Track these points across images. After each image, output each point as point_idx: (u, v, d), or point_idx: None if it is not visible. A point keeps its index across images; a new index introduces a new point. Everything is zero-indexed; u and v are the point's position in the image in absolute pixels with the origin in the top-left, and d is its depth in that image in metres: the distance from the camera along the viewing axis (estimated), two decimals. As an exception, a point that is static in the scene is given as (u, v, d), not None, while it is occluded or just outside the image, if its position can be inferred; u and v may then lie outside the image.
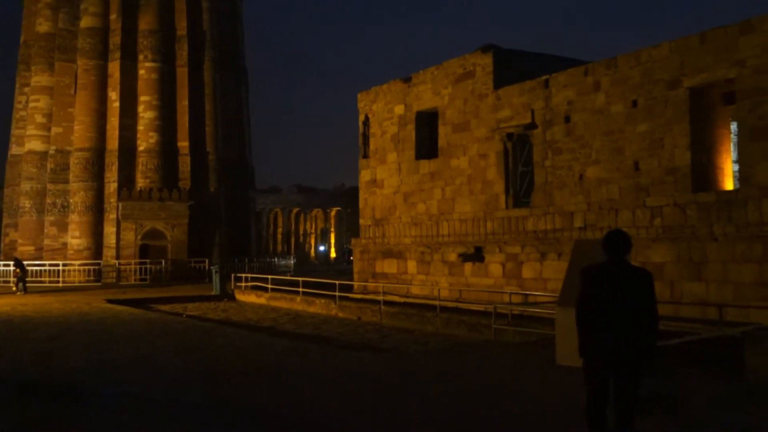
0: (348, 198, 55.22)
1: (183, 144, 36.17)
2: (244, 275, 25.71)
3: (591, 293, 4.93)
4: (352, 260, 26.57)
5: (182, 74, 36.31)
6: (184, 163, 36.03)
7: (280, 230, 58.29)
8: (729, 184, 14.07)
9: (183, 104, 36.20)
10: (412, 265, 20.91)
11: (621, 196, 14.89)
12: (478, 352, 11.47)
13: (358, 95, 23.70)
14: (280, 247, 56.79)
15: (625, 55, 15.03)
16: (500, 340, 12.64)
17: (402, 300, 19.56)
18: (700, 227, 13.23)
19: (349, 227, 54.13)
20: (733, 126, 14.27)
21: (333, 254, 60.72)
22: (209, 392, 8.19)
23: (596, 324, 4.87)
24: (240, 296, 24.44)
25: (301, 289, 21.41)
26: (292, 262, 43.24)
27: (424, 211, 20.45)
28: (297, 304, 21.23)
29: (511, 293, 16.26)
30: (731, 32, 12.95)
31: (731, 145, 14.47)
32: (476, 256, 18.49)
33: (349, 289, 21.94)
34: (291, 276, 26.96)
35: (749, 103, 12.61)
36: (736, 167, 13.99)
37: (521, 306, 15.34)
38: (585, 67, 16.08)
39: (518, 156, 17.97)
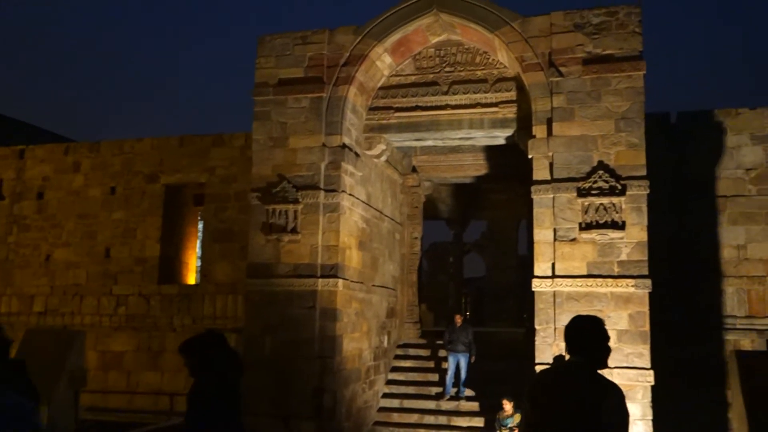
0: None
1: None
2: None
3: None
4: None
5: None
6: None
7: None
8: (192, 279, 15.19)
9: None
10: None
11: (89, 281, 14.54)
12: None
13: None
14: None
15: (109, 141, 15.15)
16: None
17: None
18: (161, 317, 13.83)
19: None
20: (201, 225, 15.65)
21: None
22: None
23: None
24: None
25: None
26: None
27: None
28: None
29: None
30: (206, 141, 14.41)
31: (198, 242, 15.77)
32: None
33: None
34: None
35: (214, 207, 14.07)
36: (200, 263, 15.28)
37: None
38: (67, 146, 15.58)
39: (-23, 227, 15.97)
